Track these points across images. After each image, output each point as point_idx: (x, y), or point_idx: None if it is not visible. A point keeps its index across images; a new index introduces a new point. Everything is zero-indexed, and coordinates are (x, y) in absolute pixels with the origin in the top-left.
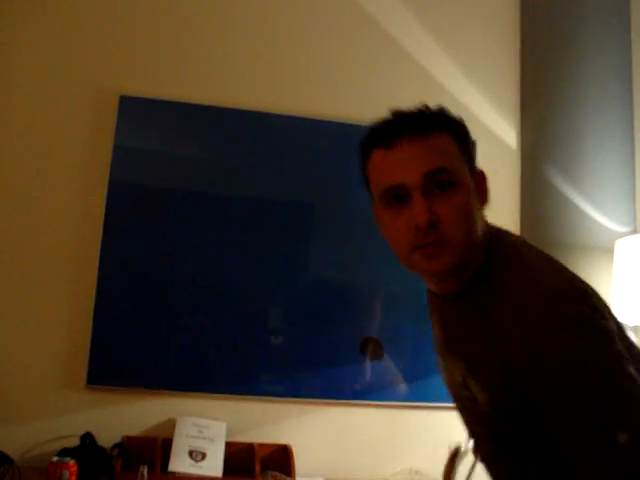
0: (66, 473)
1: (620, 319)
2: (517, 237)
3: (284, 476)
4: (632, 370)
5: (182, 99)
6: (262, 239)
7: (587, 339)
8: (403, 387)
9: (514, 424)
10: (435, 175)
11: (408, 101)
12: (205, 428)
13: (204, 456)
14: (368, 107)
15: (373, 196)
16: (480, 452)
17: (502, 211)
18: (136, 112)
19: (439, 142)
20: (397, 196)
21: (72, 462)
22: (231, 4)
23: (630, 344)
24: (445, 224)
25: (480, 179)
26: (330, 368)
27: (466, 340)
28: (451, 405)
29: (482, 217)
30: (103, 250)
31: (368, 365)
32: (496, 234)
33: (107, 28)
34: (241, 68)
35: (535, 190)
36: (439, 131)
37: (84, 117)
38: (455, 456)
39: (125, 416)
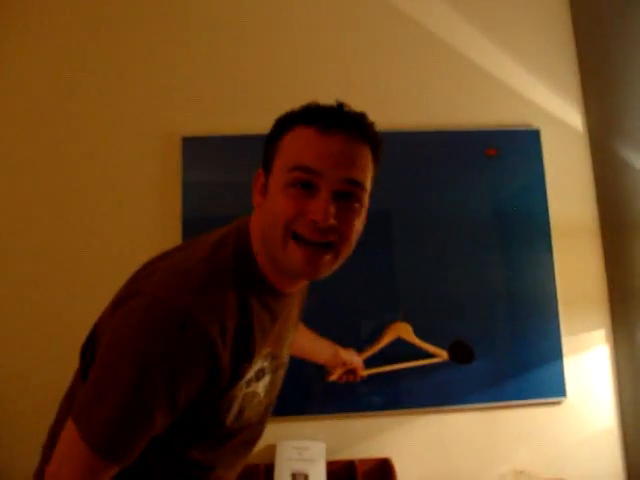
0: None
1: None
2: None
3: None
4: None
5: (238, 132)
6: None
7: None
8: (499, 388)
9: None
10: (351, 186)
11: (469, 102)
12: (305, 450)
13: (306, 478)
14: (429, 114)
15: (272, 167)
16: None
17: (577, 198)
18: (198, 150)
19: (366, 157)
20: (303, 182)
21: None
22: (272, 33)
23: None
24: (342, 240)
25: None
26: (423, 375)
27: (290, 322)
28: (550, 400)
29: None
30: None
31: (460, 368)
32: None
33: (164, 79)
34: (290, 94)
35: (609, 171)
36: (369, 147)
37: (153, 160)
38: None
39: None
